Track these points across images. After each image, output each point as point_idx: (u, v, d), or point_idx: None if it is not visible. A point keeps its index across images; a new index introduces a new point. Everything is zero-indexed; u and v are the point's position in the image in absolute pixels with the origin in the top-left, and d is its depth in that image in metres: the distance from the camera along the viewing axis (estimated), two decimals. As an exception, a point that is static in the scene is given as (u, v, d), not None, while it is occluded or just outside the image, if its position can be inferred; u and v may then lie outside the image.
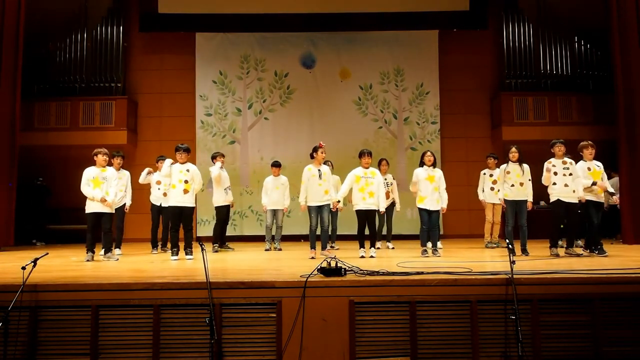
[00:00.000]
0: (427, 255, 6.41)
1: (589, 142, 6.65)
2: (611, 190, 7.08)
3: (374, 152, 6.87)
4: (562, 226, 6.58)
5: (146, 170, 7.69)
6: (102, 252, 6.65)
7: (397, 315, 4.01)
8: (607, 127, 9.94)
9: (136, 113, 11.36)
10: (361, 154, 6.55)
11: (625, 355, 3.99)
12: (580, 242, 7.25)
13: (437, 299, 4.04)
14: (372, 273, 4.27)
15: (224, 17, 11.09)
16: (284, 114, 11.40)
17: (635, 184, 8.69)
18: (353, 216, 6.51)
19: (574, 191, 6.26)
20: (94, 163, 6.54)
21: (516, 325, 3.72)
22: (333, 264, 4.23)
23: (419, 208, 6.64)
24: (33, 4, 9.95)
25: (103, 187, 6.43)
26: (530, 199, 6.59)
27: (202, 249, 4.13)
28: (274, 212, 8.18)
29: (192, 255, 6.50)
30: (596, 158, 6.64)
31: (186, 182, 6.59)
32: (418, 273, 4.30)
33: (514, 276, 3.97)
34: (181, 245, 6.72)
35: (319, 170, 6.60)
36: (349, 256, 6.03)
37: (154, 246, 7.81)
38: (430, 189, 6.57)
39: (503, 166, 6.89)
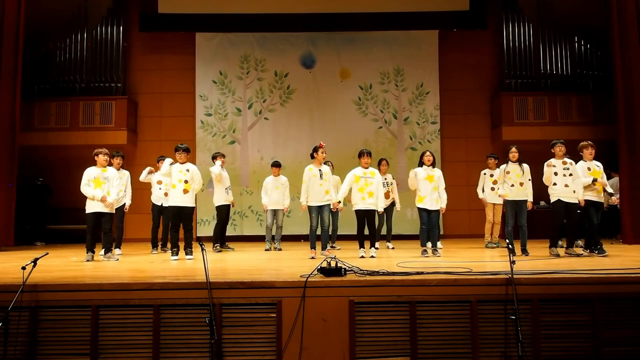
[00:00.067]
0: (427, 255, 6.41)
1: (589, 142, 6.66)
2: (610, 190, 7.08)
3: (374, 152, 6.87)
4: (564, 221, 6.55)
5: (147, 169, 7.69)
6: (102, 252, 6.64)
7: (397, 315, 4.01)
8: (607, 127, 9.94)
9: (136, 113, 11.36)
10: (360, 154, 6.55)
11: (625, 355, 3.99)
12: (580, 242, 7.25)
13: (437, 299, 4.04)
14: (372, 273, 4.27)
15: (224, 17, 11.08)
16: (283, 114, 11.40)
17: (635, 184, 8.68)
18: (353, 216, 6.50)
19: (574, 191, 6.26)
20: (94, 163, 6.54)
21: (516, 325, 3.72)
22: (333, 264, 4.24)
23: (418, 208, 6.64)
24: (33, 4, 9.95)
25: (105, 187, 6.43)
26: (530, 198, 6.59)
27: (202, 249, 4.13)
28: (274, 212, 8.18)
29: (192, 255, 6.50)
30: (596, 158, 6.64)
31: (186, 182, 6.58)
32: (418, 273, 4.30)
33: (514, 276, 3.97)
34: (181, 245, 6.72)
35: (319, 170, 6.60)
36: (349, 256, 6.03)
37: (154, 246, 7.81)
38: (430, 189, 6.57)
39: (503, 166, 6.90)
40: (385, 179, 7.85)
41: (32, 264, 4.00)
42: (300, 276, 4.14)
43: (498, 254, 6.80)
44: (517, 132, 10.59)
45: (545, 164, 6.38)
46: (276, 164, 8.30)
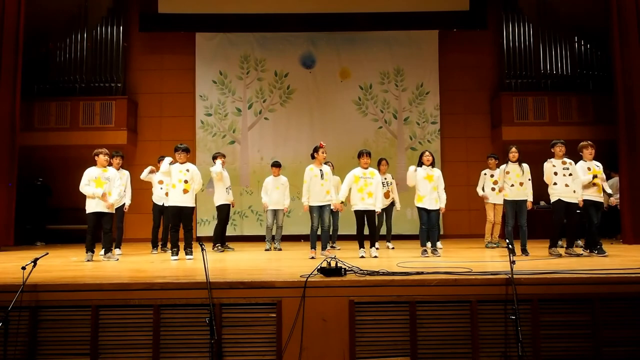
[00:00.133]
0: (427, 255, 6.41)
1: (589, 142, 6.67)
2: (609, 191, 7.08)
3: (374, 152, 6.88)
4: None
5: (149, 168, 7.68)
6: (102, 252, 6.64)
7: (397, 315, 4.01)
8: (607, 127, 9.93)
9: (136, 113, 11.36)
10: (360, 154, 6.56)
11: (625, 355, 3.99)
12: (580, 242, 7.25)
13: (437, 299, 4.04)
14: (372, 273, 4.27)
15: (224, 17, 11.08)
16: (284, 114, 11.40)
17: (635, 184, 8.68)
18: (353, 216, 6.50)
19: (574, 191, 6.27)
20: (94, 163, 6.54)
21: (516, 325, 3.73)
22: (333, 264, 4.24)
23: (417, 207, 6.64)
24: (33, 4, 9.94)
25: (106, 187, 6.44)
26: (530, 198, 6.59)
27: (202, 249, 4.13)
28: (275, 212, 8.18)
29: (192, 255, 6.50)
30: (596, 158, 6.65)
31: (186, 182, 6.58)
32: (418, 273, 4.31)
33: (514, 276, 3.97)
34: (181, 245, 6.72)
35: (320, 170, 6.61)
36: (349, 256, 6.03)
37: (154, 246, 7.81)
38: (429, 189, 6.57)
39: (503, 166, 6.90)
40: (385, 178, 7.85)
41: (32, 264, 4.00)
42: (300, 276, 4.14)
43: (498, 254, 6.80)
44: (517, 132, 10.59)
45: (546, 162, 6.39)
46: (276, 164, 8.31)
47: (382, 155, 8.77)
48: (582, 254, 6.30)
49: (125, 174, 7.58)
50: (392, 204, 8.05)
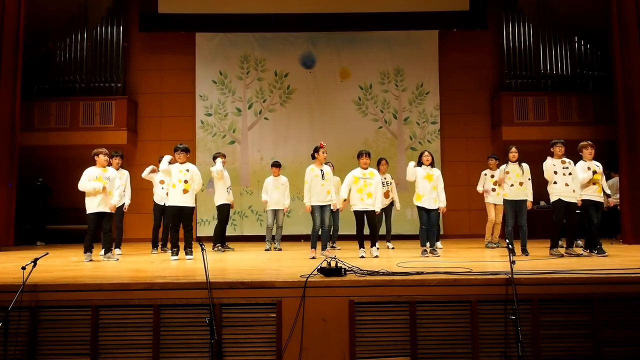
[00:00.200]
0: (427, 255, 6.41)
1: (589, 142, 6.67)
2: (608, 191, 7.07)
3: (374, 152, 6.88)
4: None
5: (150, 167, 7.67)
6: (102, 252, 6.64)
7: (397, 315, 4.01)
8: (607, 127, 9.93)
9: (136, 113, 11.36)
10: (359, 155, 6.56)
11: (625, 355, 3.99)
12: (580, 242, 7.25)
13: (437, 299, 4.04)
14: (372, 273, 4.27)
15: (224, 17, 11.08)
16: (284, 114, 11.40)
17: (635, 184, 8.68)
18: (353, 216, 6.50)
19: (573, 191, 6.27)
20: (94, 163, 6.54)
21: (516, 325, 3.73)
22: (333, 264, 4.24)
23: (417, 207, 6.65)
24: (33, 4, 9.94)
25: (107, 187, 6.45)
26: (530, 198, 6.59)
27: (202, 249, 4.13)
28: (275, 212, 8.18)
29: (192, 255, 6.50)
30: (596, 158, 6.65)
31: (186, 182, 6.59)
32: (418, 273, 4.31)
33: (514, 276, 3.97)
34: (181, 245, 6.72)
35: (321, 170, 6.61)
36: (349, 256, 6.03)
37: (154, 246, 7.80)
38: (429, 188, 6.58)
39: (502, 166, 6.90)
40: (385, 178, 7.86)
41: (32, 264, 4.00)
42: (300, 276, 4.14)
43: (498, 254, 6.80)
44: (517, 132, 10.59)
45: (546, 160, 6.38)
46: (276, 164, 8.31)
47: (382, 155, 8.77)
48: (582, 254, 6.30)
49: (125, 173, 7.58)
50: (392, 204, 8.06)
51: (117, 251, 7.38)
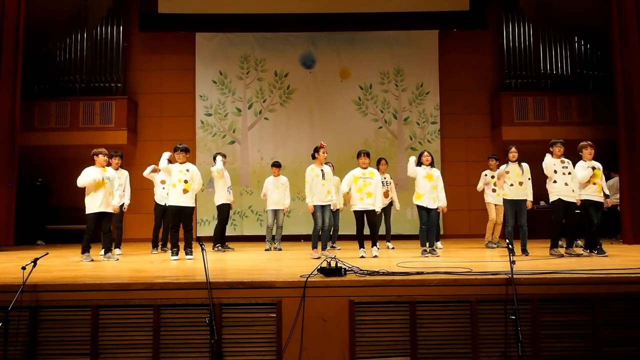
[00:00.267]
0: (427, 255, 6.41)
1: (589, 142, 6.67)
2: (607, 192, 7.08)
3: (374, 152, 6.88)
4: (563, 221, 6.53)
5: (152, 166, 7.66)
6: (102, 252, 6.64)
7: (397, 315, 4.01)
8: (607, 127, 9.93)
9: (136, 113, 11.36)
10: (358, 155, 6.56)
11: (625, 355, 3.99)
12: (580, 242, 7.25)
13: (437, 299, 4.04)
14: (372, 273, 4.27)
15: (224, 17, 11.08)
16: (284, 114, 11.40)
17: (635, 184, 8.68)
18: (353, 216, 6.50)
19: (573, 190, 6.27)
20: (93, 163, 6.54)
21: (516, 325, 3.73)
22: (333, 264, 4.24)
23: (417, 206, 6.65)
24: (33, 4, 9.94)
25: (107, 186, 6.46)
26: (530, 198, 6.59)
27: (202, 249, 4.13)
28: (275, 212, 8.17)
29: (192, 255, 6.50)
30: (596, 158, 6.64)
31: (186, 182, 6.59)
32: (418, 273, 4.31)
33: (514, 276, 3.97)
34: (181, 245, 6.72)
35: (322, 170, 6.61)
36: (349, 256, 6.03)
37: (155, 246, 7.80)
38: (429, 187, 6.58)
39: (502, 166, 6.90)
40: (384, 178, 7.86)
41: (32, 264, 4.00)
42: (300, 276, 4.14)
43: (498, 254, 6.80)
44: (517, 132, 10.59)
45: (545, 157, 6.37)
46: (276, 164, 8.30)
47: (382, 155, 8.77)
48: (582, 254, 6.29)
49: (125, 173, 7.57)
50: (391, 203, 8.06)
51: (117, 251, 7.38)
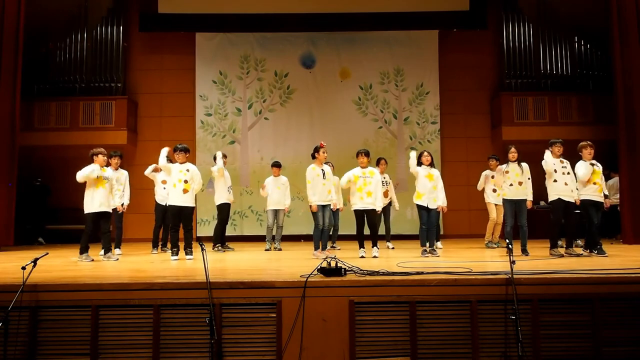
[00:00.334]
0: (427, 255, 6.41)
1: (588, 142, 6.65)
2: (606, 192, 7.08)
3: (374, 152, 6.88)
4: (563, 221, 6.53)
5: (153, 166, 7.65)
6: (102, 252, 6.64)
7: (397, 315, 4.01)
8: (607, 127, 9.93)
9: (136, 113, 11.36)
10: (357, 154, 6.56)
11: (625, 355, 3.99)
12: (580, 242, 7.24)
13: (437, 299, 4.04)
14: (372, 273, 4.27)
15: (224, 17, 11.08)
16: (284, 114, 11.40)
17: (635, 184, 8.68)
18: (353, 216, 6.49)
19: (572, 190, 6.27)
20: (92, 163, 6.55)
21: (516, 325, 3.73)
22: (333, 264, 4.24)
23: (417, 205, 6.65)
24: (33, 4, 9.93)
25: (107, 186, 6.46)
26: (529, 198, 6.59)
27: (202, 249, 4.13)
28: (275, 212, 8.17)
29: (192, 255, 6.50)
30: (596, 158, 6.64)
31: (186, 182, 6.58)
32: (418, 273, 4.31)
33: (514, 276, 3.97)
34: (181, 245, 6.73)
35: (322, 170, 6.61)
36: (349, 256, 6.03)
37: (155, 246, 7.80)
38: (429, 187, 6.59)
39: (502, 166, 6.90)
40: (384, 178, 7.85)
41: (32, 264, 4.00)
42: (300, 276, 4.14)
43: (498, 254, 6.80)
44: (517, 132, 10.59)
45: (545, 155, 6.37)
46: (276, 164, 8.30)
47: (382, 155, 8.77)
48: (582, 254, 6.29)
49: (124, 173, 7.56)
50: (390, 203, 8.06)
51: (117, 251, 7.38)
